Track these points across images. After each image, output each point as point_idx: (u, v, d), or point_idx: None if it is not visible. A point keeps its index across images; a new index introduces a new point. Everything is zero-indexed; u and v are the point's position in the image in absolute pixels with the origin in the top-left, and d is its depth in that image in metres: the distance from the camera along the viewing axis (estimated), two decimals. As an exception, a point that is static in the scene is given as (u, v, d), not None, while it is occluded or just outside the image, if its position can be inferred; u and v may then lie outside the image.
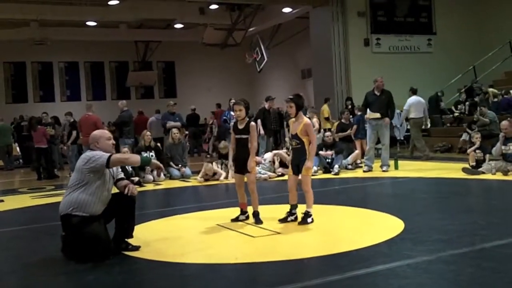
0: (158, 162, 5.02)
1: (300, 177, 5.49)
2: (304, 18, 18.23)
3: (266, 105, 12.47)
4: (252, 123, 5.65)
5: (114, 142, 4.81)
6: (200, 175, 9.80)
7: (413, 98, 12.02)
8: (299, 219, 5.45)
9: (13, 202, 8.39)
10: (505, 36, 15.80)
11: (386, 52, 16.40)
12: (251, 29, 20.15)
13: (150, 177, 10.02)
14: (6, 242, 5.61)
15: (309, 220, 5.39)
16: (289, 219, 5.50)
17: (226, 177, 9.63)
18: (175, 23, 20.88)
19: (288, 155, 10.47)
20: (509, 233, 4.63)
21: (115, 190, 4.69)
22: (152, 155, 10.23)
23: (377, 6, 16.30)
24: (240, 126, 5.65)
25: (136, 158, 4.78)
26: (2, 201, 8.58)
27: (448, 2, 16.97)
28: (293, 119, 5.57)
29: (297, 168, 5.48)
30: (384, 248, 4.36)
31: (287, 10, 18.78)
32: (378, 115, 9.67)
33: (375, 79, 10.02)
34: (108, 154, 4.46)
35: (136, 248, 4.66)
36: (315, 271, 3.97)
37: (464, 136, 12.29)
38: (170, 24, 21.32)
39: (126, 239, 4.66)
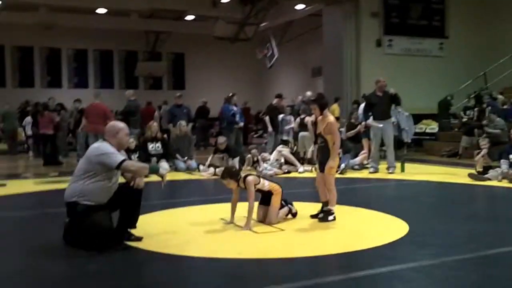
0: (165, 173, 4.70)
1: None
2: (317, 16, 18.15)
3: (274, 102, 12.43)
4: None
5: (131, 139, 4.68)
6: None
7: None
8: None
9: (16, 187, 8.37)
10: (517, 43, 15.70)
11: (398, 54, 16.27)
12: (262, 24, 20.07)
13: (156, 167, 10.01)
14: (8, 227, 5.62)
15: (330, 218, 5.42)
16: (320, 215, 5.51)
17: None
18: (187, 14, 20.83)
19: (292, 153, 10.48)
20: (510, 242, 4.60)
21: (122, 179, 4.68)
22: (158, 146, 10.26)
23: (391, 7, 16.17)
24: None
25: (145, 170, 4.52)
26: (5, 185, 8.56)
27: (461, 7, 16.82)
28: (320, 117, 5.56)
29: (323, 167, 5.51)
30: (387, 250, 4.33)
31: (300, 7, 18.72)
32: (380, 125, 9.68)
33: (377, 80, 9.91)
34: (122, 158, 4.39)
35: (139, 238, 4.65)
36: (315, 271, 3.93)
37: (465, 143, 12.28)
38: (182, 16, 21.27)
39: (129, 229, 4.65)
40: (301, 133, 11.10)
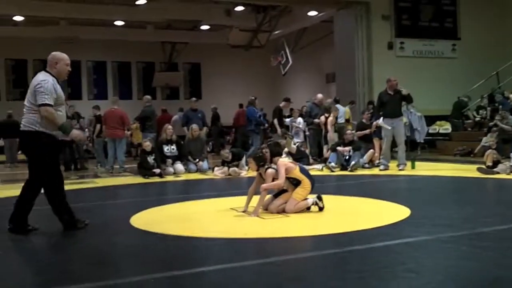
0: (79, 133, 5.06)
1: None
2: (330, 22, 18.38)
3: (282, 105, 12.88)
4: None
5: (70, 69, 4.82)
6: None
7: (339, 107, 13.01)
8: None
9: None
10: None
11: (410, 56, 16.40)
12: (276, 32, 20.40)
13: (171, 169, 10.32)
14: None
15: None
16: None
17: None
18: (201, 24, 21.27)
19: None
20: (509, 221, 4.74)
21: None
22: (173, 148, 10.59)
23: (402, 9, 16.34)
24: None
25: (56, 124, 4.69)
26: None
27: (473, 8, 16.90)
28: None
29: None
30: (387, 229, 4.53)
31: (312, 13, 18.97)
32: (389, 127, 9.82)
33: (388, 79, 10.10)
34: (47, 102, 4.51)
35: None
36: (314, 246, 4.19)
37: (483, 142, 12.29)
38: (197, 26, 21.72)
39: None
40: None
